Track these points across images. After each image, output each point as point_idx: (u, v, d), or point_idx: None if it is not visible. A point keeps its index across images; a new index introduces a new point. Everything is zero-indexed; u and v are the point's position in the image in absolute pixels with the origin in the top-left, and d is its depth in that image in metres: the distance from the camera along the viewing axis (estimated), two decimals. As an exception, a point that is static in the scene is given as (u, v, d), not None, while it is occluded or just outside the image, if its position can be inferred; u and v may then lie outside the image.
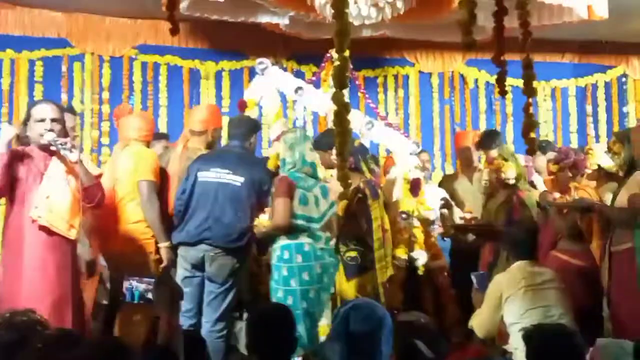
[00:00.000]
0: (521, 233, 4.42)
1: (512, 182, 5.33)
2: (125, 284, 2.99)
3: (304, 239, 4.54)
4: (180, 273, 4.77)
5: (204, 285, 4.77)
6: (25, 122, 4.26)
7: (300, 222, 4.53)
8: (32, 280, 4.04)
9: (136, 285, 2.97)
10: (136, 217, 4.92)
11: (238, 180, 4.75)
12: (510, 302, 4.02)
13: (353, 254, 5.12)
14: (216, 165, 4.81)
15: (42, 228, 4.09)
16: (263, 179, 4.87)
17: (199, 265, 4.71)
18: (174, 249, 4.87)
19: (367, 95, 7.29)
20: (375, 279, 5.07)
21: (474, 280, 4.48)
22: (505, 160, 5.40)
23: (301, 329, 4.37)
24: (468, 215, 5.90)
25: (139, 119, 5.25)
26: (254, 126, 5.17)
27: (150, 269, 4.85)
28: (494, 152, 5.66)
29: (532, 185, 5.74)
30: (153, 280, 2.97)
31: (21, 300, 3.86)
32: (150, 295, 2.95)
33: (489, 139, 6.29)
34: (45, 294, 4.02)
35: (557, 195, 4.56)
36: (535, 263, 4.29)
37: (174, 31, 3.17)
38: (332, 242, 4.65)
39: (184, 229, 4.76)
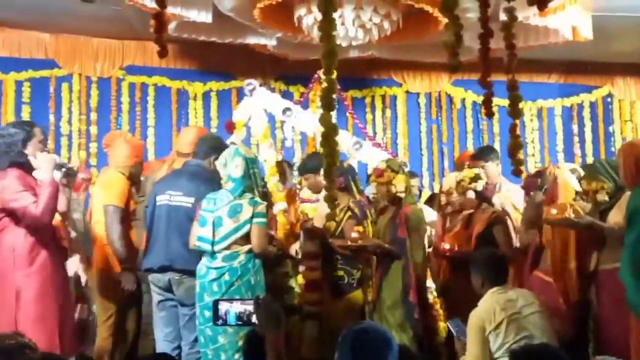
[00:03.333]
0: (494, 258, 4.37)
1: (401, 195, 5.20)
2: (221, 307, 2.95)
3: (203, 260, 4.49)
4: (154, 297, 4.74)
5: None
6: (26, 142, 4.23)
7: (198, 243, 4.50)
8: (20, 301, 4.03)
9: (227, 307, 2.93)
10: (102, 240, 5.00)
11: (188, 201, 4.68)
12: (493, 336, 3.96)
13: (340, 273, 5.11)
14: (170, 187, 4.75)
15: None
16: None
17: (168, 289, 4.68)
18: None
19: (354, 116, 7.35)
20: (361, 298, 5.06)
21: (452, 329, 4.38)
22: (395, 172, 5.23)
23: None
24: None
25: (123, 145, 5.27)
26: (218, 145, 5.04)
27: (118, 290, 4.94)
28: (382, 165, 5.47)
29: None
30: (246, 301, 2.94)
31: (8, 322, 3.86)
32: (249, 317, 2.93)
33: (483, 152, 6.31)
34: (33, 314, 4.01)
35: (554, 211, 4.50)
36: (509, 287, 4.24)
37: (162, 54, 3.18)
38: (241, 258, 4.52)
39: (149, 255, 4.72)
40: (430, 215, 6.05)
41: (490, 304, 4.04)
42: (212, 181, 4.72)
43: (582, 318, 4.62)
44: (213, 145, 4.92)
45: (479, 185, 5.22)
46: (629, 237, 3.87)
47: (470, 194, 5.22)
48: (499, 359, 3.96)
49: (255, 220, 4.44)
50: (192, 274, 4.54)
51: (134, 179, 5.29)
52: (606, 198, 4.49)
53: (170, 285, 4.65)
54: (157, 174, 5.34)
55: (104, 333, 5.03)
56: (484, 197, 5.25)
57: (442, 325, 5.53)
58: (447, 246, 5.19)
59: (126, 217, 5.08)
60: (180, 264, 4.59)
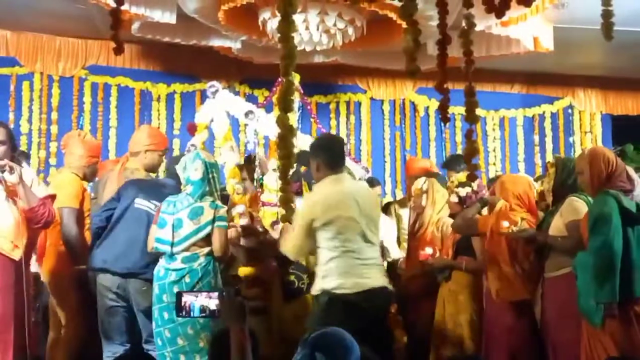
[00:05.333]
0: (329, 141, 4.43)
1: None
2: (185, 299, 2.94)
3: (161, 262, 4.49)
4: (106, 302, 4.70)
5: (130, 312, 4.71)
6: None
7: (157, 244, 4.51)
8: None
9: (192, 300, 2.93)
10: (61, 241, 4.94)
11: None
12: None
13: (291, 277, 5.11)
14: (154, 198, 4.77)
15: None
16: None
17: (122, 295, 4.65)
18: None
19: (318, 121, 7.34)
20: (310, 302, 5.04)
21: None
22: None
23: None
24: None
25: (78, 145, 5.20)
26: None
27: (72, 291, 4.88)
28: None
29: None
30: (210, 294, 2.94)
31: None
32: (212, 310, 2.93)
33: (454, 161, 6.36)
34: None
35: (505, 224, 4.56)
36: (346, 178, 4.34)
37: (118, 51, 3.15)
38: (201, 260, 4.53)
39: (105, 253, 4.69)
40: (386, 223, 6.08)
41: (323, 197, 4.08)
42: None
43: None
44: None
45: (463, 191, 5.23)
46: (593, 243, 3.92)
47: (454, 199, 5.24)
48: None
49: (217, 223, 4.48)
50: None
51: (89, 179, 5.24)
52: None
53: (126, 291, 4.61)
54: (111, 175, 5.28)
55: (63, 338, 4.95)
56: (466, 204, 5.22)
57: (399, 331, 5.56)
58: (429, 251, 5.21)
59: (82, 218, 5.02)
60: (151, 273, 4.57)
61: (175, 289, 4.29)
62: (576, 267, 4.05)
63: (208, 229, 4.46)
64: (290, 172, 5.24)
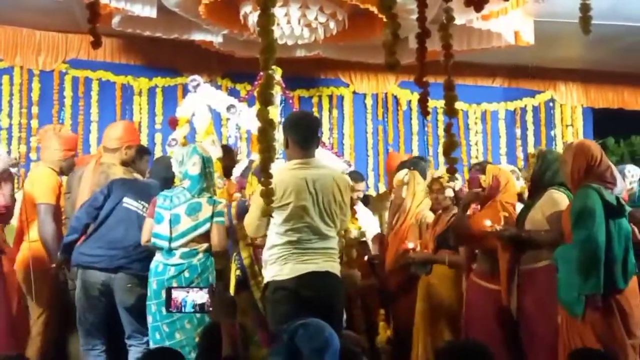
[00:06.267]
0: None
1: None
2: (175, 295, 2.94)
3: (158, 257, 4.53)
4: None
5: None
6: None
7: (154, 240, 4.53)
8: None
9: (182, 296, 2.94)
10: (36, 237, 4.93)
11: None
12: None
13: (238, 272, 5.06)
14: (142, 198, 4.79)
15: None
16: None
17: (105, 292, 4.65)
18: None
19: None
20: (252, 296, 4.93)
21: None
22: None
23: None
24: None
25: (53, 139, 5.18)
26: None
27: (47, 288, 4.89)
28: None
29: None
30: (201, 290, 2.94)
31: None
32: (203, 306, 2.93)
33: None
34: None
35: (488, 222, 4.55)
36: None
37: (96, 44, 3.13)
38: (200, 256, 4.54)
39: (91, 249, 4.69)
40: (366, 216, 6.09)
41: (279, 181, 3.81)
42: None
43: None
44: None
45: (458, 184, 5.20)
46: (577, 237, 3.95)
47: (449, 193, 5.18)
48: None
49: (215, 219, 4.55)
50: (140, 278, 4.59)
51: (66, 173, 5.21)
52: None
53: (109, 287, 4.61)
54: (85, 170, 5.22)
55: (34, 331, 4.94)
56: (458, 199, 5.17)
57: (382, 324, 5.58)
58: (410, 245, 5.18)
59: (59, 213, 5.00)
60: (137, 269, 4.63)
61: (175, 284, 4.35)
62: (557, 260, 4.08)
63: (207, 226, 4.52)
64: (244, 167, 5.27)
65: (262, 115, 3.04)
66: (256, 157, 5.63)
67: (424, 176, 5.48)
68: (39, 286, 4.88)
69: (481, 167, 5.13)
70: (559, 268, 4.08)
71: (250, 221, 4.09)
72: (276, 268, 3.93)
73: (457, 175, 5.13)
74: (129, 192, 4.83)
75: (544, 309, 4.22)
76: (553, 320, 4.10)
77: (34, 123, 7.98)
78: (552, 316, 4.12)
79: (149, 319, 4.50)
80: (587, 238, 3.90)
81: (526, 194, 4.98)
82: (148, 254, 4.62)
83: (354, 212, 5.53)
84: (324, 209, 3.98)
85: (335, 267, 4.03)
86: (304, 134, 4.07)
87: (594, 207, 3.93)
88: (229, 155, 5.97)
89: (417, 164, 5.85)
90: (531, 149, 9.43)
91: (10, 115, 7.97)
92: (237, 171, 5.49)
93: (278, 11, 5.90)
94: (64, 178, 5.32)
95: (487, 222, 4.53)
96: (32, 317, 4.96)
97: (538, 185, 4.52)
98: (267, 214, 3.64)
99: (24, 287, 4.98)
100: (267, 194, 3.14)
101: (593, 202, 3.95)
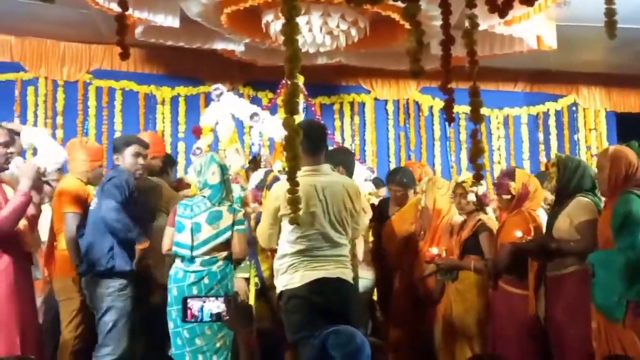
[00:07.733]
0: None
1: None
2: (191, 305, 2.97)
3: (178, 264, 4.55)
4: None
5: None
6: None
7: (176, 248, 4.55)
8: None
9: (199, 305, 2.97)
10: (64, 246, 5.00)
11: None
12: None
13: (256, 280, 5.09)
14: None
15: None
16: None
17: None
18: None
19: (323, 122, 7.34)
20: (271, 305, 4.91)
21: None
22: None
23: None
24: None
25: (80, 151, 5.25)
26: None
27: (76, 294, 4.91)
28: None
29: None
30: (217, 299, 2.97)
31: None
32: (220, 315, 2.96)
33: (390, 175, 6.13)
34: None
35: (519, 234, 4.51)
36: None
37: (124, 56, 3.16)
38: (220, 263, 4.57)
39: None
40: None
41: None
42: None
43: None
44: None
45: (481, 189, 5.13)
46: (623, 243, 3.89)
47: (471, 197, 5.11)
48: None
49: (236, 227, 4.56)
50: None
51: (93, 183, 5.26)
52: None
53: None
54: None
55: (67, 335, 4.99)
56: (482, 203, 5.10)
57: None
58: (435, 251, 5.08)
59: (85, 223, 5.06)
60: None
61: (195, 291, 4.39)
62: (593, 264, 4.03)
63: (228, 234, 4.54)
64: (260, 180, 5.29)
65: (289, 124, 3.03)
66: (278, 166, 5.67)
67: (351, 170, 5.29)
68: (71, 291, 4.94)
69: (509, 173, 5.07)
70: (595, 272, 4.01)
71: (262, 231, 4.11)
72: (287, 277, 3.93)
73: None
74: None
75: (573, 315, 4.17)
76: (585, 326, 4.06)
77: (59, 133, 8.08)
78: (583, 322, 4.07)
79: (170, 324, 4.52)
80: (633, 244, 3.86)
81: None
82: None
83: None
84: (334, 216, 3.97)
85: (346, 274, 4.01)
86: (312, 142, 4.01)
87: (638, 213, 3.89)
88: (254, 165, 5.99)
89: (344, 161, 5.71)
90: (554, 154, 9.37)
91: (35, 125, 8.02)
92: (252, 182, 5.51)
93: (300, 19, 5.90)
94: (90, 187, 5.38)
95: (518, 233, 4.49)
96: (63, 323, 5.01)
97: (563, 193, 4.47)
98: (294, 221, 3.63)
99: (58, 296, 5.04)
100: (294, 202, 3.13)
101: (638, 208, 3.91)
